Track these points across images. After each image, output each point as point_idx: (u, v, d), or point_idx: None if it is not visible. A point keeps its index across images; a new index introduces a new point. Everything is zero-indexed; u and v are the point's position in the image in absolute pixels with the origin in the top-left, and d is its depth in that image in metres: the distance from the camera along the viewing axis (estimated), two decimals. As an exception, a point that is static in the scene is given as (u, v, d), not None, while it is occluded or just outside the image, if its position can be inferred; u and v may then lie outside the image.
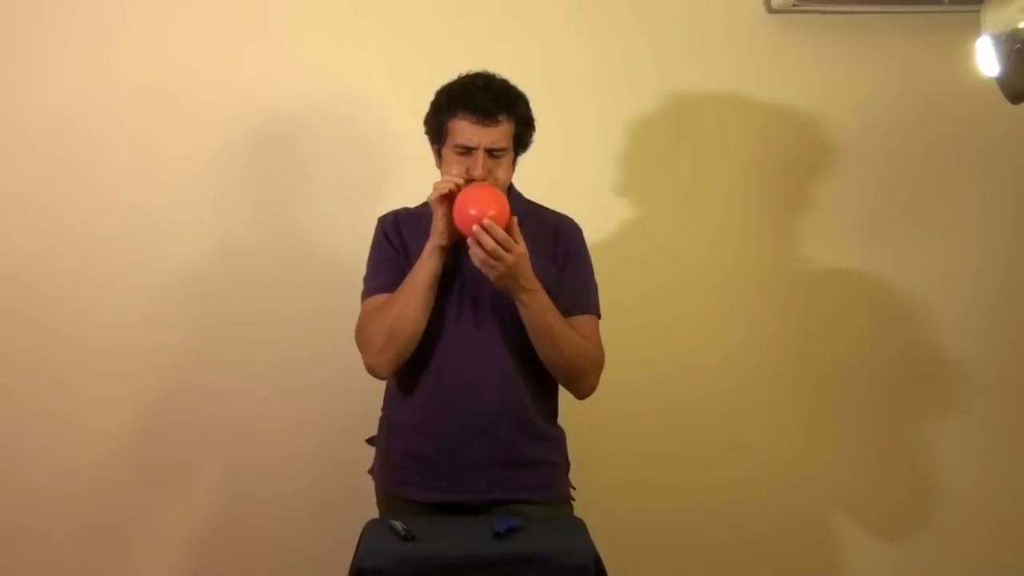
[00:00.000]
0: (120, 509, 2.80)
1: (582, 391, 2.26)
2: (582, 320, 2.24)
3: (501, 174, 2.20)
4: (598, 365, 2.25)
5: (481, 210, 2.05)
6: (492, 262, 2.05)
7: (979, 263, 2.99)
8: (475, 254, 2.06)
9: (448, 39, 2.81)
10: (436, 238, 2.14)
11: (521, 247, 2.08)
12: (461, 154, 2.18)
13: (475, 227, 2.04)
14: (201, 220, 2.80)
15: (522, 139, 2.24)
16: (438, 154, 2.26)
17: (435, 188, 2.14)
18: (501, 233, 2.04)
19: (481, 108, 2.15)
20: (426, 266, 2.14)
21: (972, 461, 2.99)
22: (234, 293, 2.82)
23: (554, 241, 2.27)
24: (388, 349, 2.17)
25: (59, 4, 2.77)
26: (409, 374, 2.22)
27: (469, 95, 2.17)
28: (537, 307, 2.13)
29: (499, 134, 2.17)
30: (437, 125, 2.22)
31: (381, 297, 2.21)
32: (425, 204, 2.30)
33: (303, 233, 2.83)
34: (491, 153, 2.17)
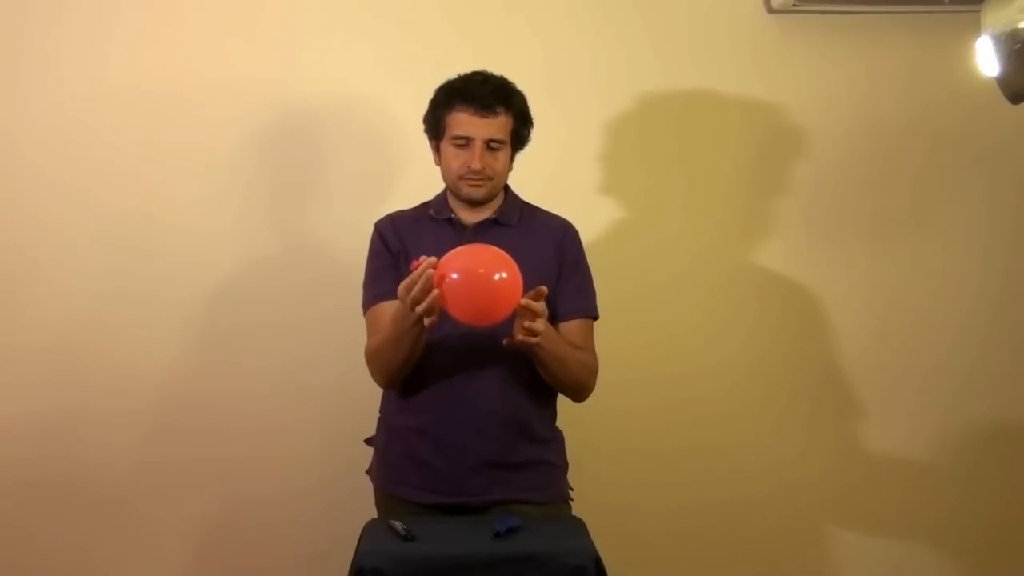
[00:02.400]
0: (122, 507, 2.80)
1: (582, 398, 2.27)
2: (578, 325, 2.24)
3: (499, 167, 2.21)
4: (596, 372, 2.26)
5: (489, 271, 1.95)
6: (533, 340, 2.03)
7: (979, 262, 2.99)
8: (525, 340, 2.02)
9: (452, 37, 2.81)
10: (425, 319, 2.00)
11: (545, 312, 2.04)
12: (460, 146, 2.19)
13: (525, 323, 1.98)
14: (202, 222, 2.79)
15: (519, 135, 2.25)
16: (436, 150, 2.27)
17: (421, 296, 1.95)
18: (541, 307, 2.00)
19: (479, 99, 2.17)
20: (415, 333, 2.06)
21: (972, 461, 2.99)
22: (236, 294, 2.81)
23: (556, 249, 2.26)
24: (393, 384, 2.23)
25: (60, 8, 2.76)
26: (407, 377, 2.21)
27: (468, 88, 2.19)
28: (549, 345, 2.10)
29: (497, 127, 2.18)
30: (435, 120, 2.23)
31: (381, 307, 2.21)
32: (423, 204, 2.33)
33: (303, 233, 2.83)
34: (489, 146, 2.18)
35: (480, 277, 1.95)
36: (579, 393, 2.25)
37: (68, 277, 2.78)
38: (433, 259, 1.95)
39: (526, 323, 2.00)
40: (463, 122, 2.18)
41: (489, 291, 1.94)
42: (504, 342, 2.05)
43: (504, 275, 1.94)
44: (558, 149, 2.77)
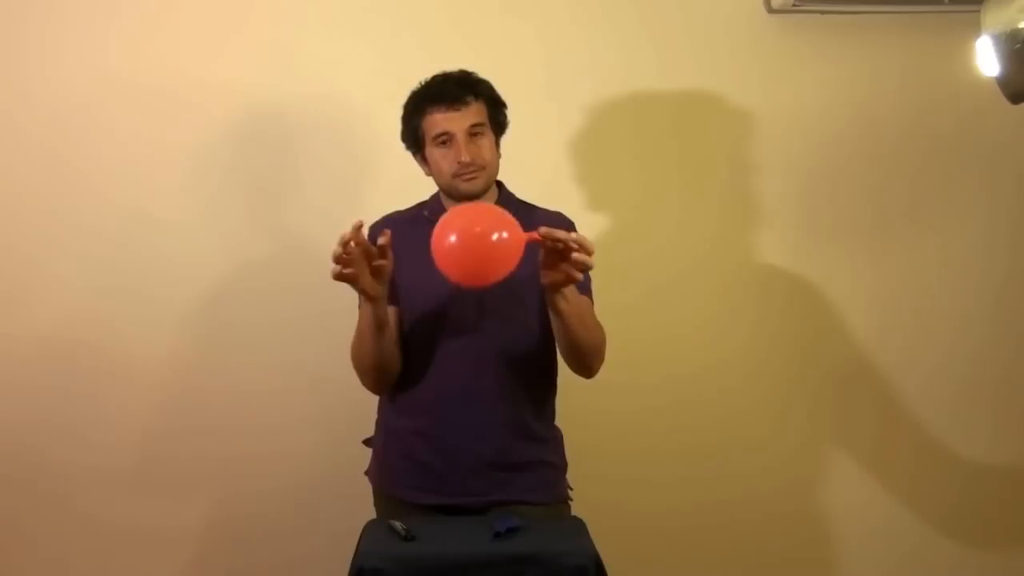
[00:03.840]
0: (121, 507, 2.79)
1: (593, 364, 2.20)
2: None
3: (486, 154, 2.20)
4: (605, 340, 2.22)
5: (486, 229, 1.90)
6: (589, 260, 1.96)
7: (979, 262, 2.99)
8: (582, 264, 1.95)
9: (445, 36, 2.81)
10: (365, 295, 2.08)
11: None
12: (443, 144, 2.18)
13: (573, 249, 1.92)
14: (198, 219, 2.79)
15: (496, 119, 2.24)
16: (423, 160, 2.26)
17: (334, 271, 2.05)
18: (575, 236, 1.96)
19: (448, 95, 2.18)
20: (363, 315, 2.12)
21: (971, 460, 2.99)
22: (232, 292, 2.81)
23: None
24: (373, 387, 2.25)
25: (54, 2, 2.76)
26: (404, 378, 2.22)
27: (432, 89, 2.20)
28: (574, 299, 2.06)
29: (472, 114, 2.18)
30: (412, 131, 2.24)
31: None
32: (418, 205, 2.33)
33: (299, 232, 2.83)
34: (470, 134, 2.18)
35: (477, 236, 1.90)
36: (594, 359, 2.18)
37: (63, 274, 2.77)
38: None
39: (576, 256, 1.93)
40: (439, 121, 2.18)
41: (486, 249, 1.90)
42: (545, 282, 1.98)
43: (505, 235, 1.89)
44: (556, 149, 2.77)
